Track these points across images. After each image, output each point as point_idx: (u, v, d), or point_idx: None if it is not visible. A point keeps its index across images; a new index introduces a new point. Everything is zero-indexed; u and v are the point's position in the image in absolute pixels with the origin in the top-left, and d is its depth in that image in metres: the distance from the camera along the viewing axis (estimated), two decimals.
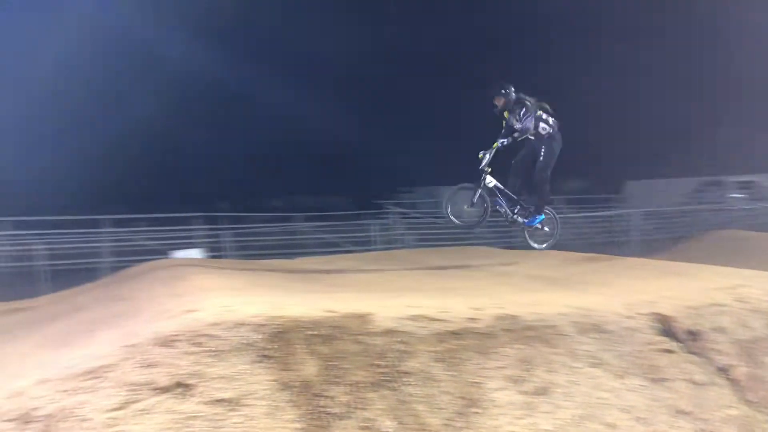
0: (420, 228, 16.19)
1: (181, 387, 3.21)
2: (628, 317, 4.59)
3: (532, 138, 7.79)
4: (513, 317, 4.42)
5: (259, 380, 3.39)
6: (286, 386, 3.42)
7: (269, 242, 14.94)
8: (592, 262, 8.38)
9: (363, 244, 15.53)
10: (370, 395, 3.51)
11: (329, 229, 16.69)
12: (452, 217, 7.86)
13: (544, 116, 7.83)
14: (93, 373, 3.32)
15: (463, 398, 3.67)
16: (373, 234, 15.99)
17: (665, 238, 15.37)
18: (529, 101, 7.74)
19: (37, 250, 12.41)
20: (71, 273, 11.60)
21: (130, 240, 13.53)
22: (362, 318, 4.12)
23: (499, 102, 7.83)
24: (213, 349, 3.52)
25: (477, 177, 7.86)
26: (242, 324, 3.77)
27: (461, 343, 4.08)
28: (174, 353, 3.45)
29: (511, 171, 8.05)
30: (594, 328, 4.41)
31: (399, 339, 3.95)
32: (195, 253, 12.38)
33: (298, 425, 3.23)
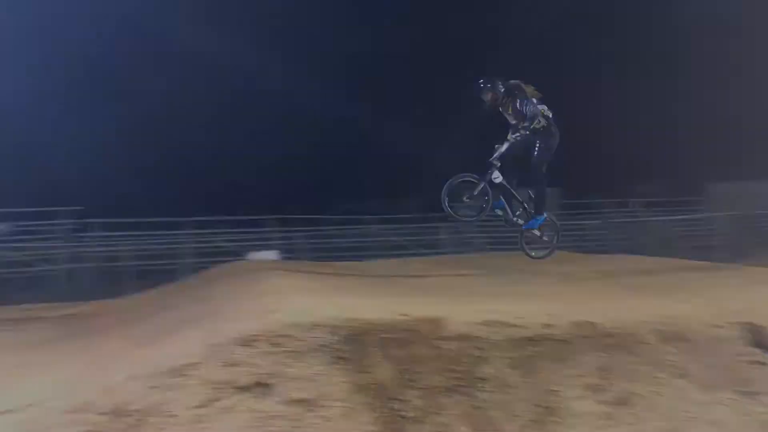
0: (491, 231, 15.96)
1: (261, 386, 3.31)
2: (716, 326, 4.38)
3: (527, 133, 7.22)
4: (591, 324, 4.30)
5: (335, 382, 3.45)
6: (361, 388, 3.46)
7: (341, 245, 15.14)
8: (675, 268, 8.04)
9: (433, 248, 15.47)
10: (445, 400, 3.51)
11: (400, 231, 16.72)
12: (449, 210, 7.24)
13: (540, 107, 7.26)
14: (179, 371, 3.47)
15: (539, 406, 3.61)
16: (443, 237, 15.91)
17: (753, 244, 14.53)
18: (520, 90, 7.25)
19: (124, 250, 13.12)
20: (155, 273, 12.16)
21: (209, 242, 14.03)
22: (436, 322, 4.12)
23: (488, 97, 7.34)
24: (291, 349, 3.61)
25: (484, 169, 7.23)
26: (318, 326, 3.85)
27: (537, 349, 4.01)
28: (254, 353, 3.56)
29: (505, 169, 7.41)
30: (678, 337, 4.24)
31: (473, 344, 3.93)
32: (271, 255, 12.69)
33: (373, 428, 3.27)
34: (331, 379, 3.45)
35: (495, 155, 7.25)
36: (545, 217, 7.47)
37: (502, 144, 7.22)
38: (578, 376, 3.82)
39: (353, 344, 3.75)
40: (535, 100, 7.27)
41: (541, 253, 7.70)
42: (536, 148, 7.26)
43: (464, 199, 7.23)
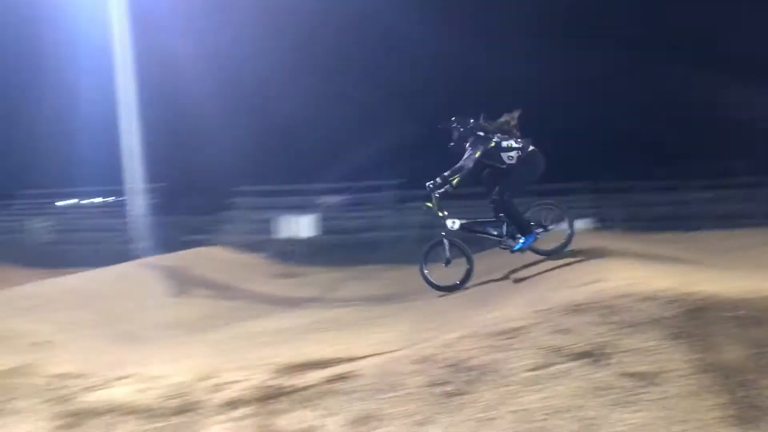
0: None
1: (593, 356, 3.26)
2: None
3: (503, 166, 6.84)
4: None
5: (674, 358, 3.21)
6: (704, 368, 3.17)
7: (659, 213, 14.10)
8: None
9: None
10: None
11: (727, 199, 14.91)
12: (435, 283, 6.90)
13: (505, 144, 6.80)
14: (510, 334, 3.63)
15: None
16: None
17: None
18: (480, 134, 6.80)
19: None
20: (470, 241, 12.94)
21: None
22: None
23: (454, 136, 7.00)
24: (623, 320, 3.48)
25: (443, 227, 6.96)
26: (652, 298, 3.64)
27: None
28: (584, 322, 3.53)
29: (484, 182, 7.11)
30: None
31: None
32: (582, 224, 12.46)
33: (719, 413, 2.96)
34: (669, 356, 3.22)
35: (434, 211, 6.94)
36: (534, 237, 6.72)
37: (431, 196, 6.88)
38: None
39: (693, 320, 3.44)
40: (493, 143, 6.79)
41: (557, 245, 6.83)
42: (506, 177, 6.83)
43: (443, 266, 6.94)
